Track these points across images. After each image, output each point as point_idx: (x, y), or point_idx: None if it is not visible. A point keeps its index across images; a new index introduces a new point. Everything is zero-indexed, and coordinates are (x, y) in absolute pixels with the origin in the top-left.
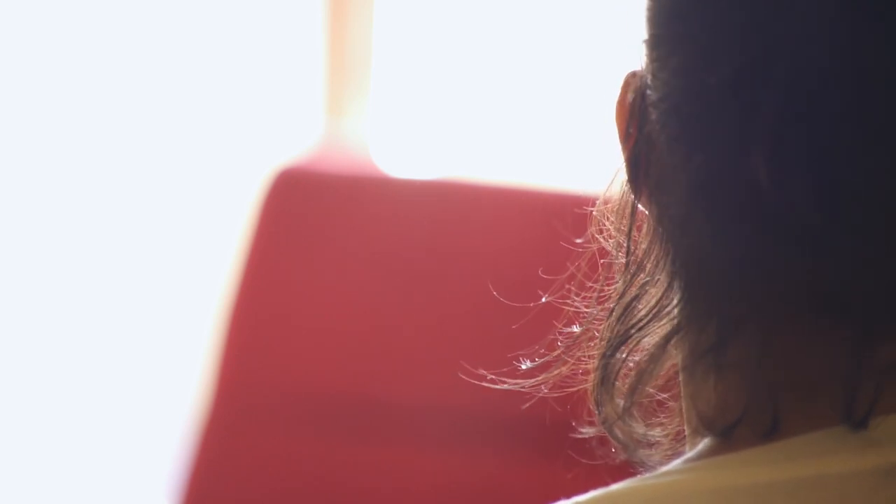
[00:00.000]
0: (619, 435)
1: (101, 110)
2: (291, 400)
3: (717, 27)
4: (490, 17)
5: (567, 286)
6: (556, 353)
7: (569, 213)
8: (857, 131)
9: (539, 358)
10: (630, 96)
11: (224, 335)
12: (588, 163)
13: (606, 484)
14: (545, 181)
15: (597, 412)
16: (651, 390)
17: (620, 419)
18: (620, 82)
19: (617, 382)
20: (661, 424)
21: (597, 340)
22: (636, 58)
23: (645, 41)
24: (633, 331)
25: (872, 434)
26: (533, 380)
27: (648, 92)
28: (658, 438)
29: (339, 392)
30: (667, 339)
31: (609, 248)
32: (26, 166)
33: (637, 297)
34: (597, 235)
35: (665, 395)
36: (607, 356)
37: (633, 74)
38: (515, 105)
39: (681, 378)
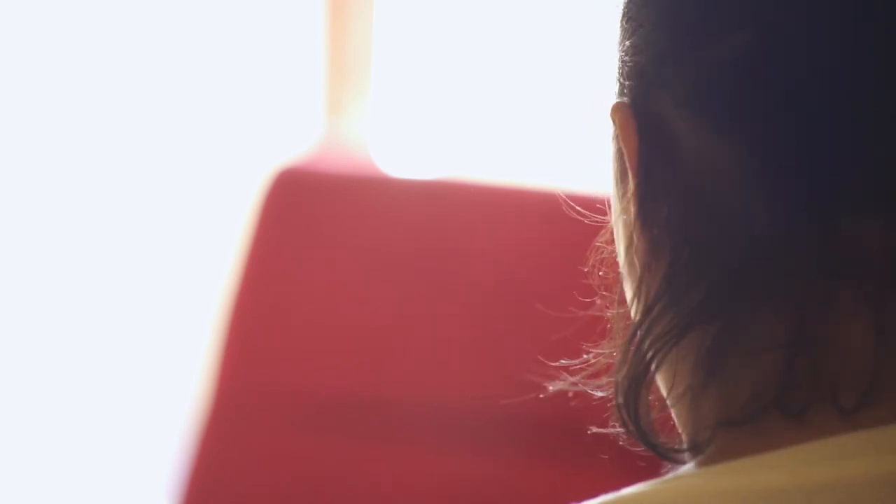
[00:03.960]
0: (646, 434)
1: (101, 111)
2: (291, 400)
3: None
4: (489, 17)
5: (566, 287)
6: (578, 378)
7: (568, 213)
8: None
9: (539, 374)
10: (629, 119)
11: (224, 335)
12: (587, 162)
13: (607, 484)
14: (545, 181)
15: (619, 419)
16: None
17: (639, 427)
18: (608, 120)
19: (638, 392)
20: (677, 433)
21: (607, 350)
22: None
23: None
24: (649, 339)
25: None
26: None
27: (661, 96)
28: (676, 445)
29: (339, 392)
30: (678, 336)
31: (607, 304)
32: (27, 167)
33: (650, 309)
34: (603, 295)
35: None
36: (627, 366)
37: (617, 107)
38: (515, 105)
39: (689, 383)
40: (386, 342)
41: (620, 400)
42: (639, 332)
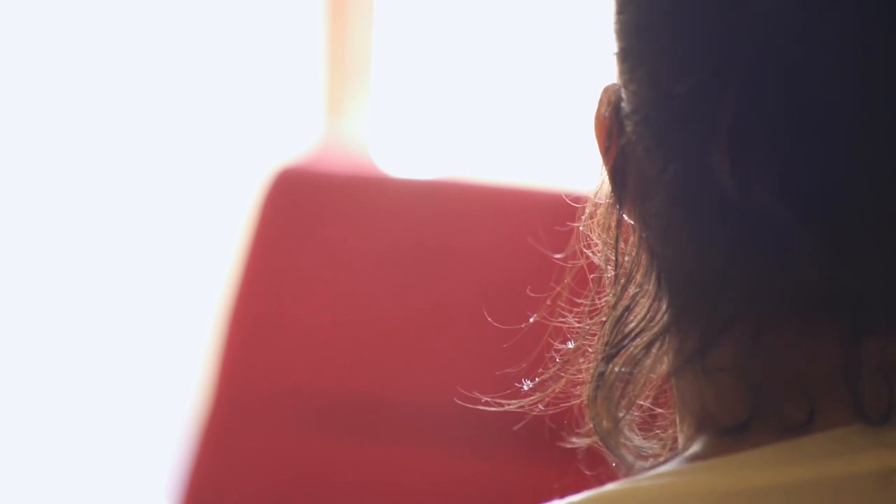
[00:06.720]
0: (614, 446)
1: (101, 110)
2: (291, 400)
3: (680, 40)
4: (489, 17)
5: (567, 287)
6: (552, 371)
7: (568, 212)
8: (814, 128)
9: (536, 376)
10: (605, 110)
11: (224, 335)
12: (586, 162)
13: (603, 484)
14: (544, 181)
15: (592, 424)
16: (645, 403)
17: (613, 429)
18: (597, 96)
19: (612, 394)
20: (658, 437)
21: (591, 351)
22: (612, 69)
23: (615, 54)
24: (625, 341)
25: (873, 437)
26: (531, 398)
27: (622, 104)
28: (654, 450)
29: (339, 392)
30: (649, 344)
31: (598, 262)
32: (27, 166)
33: (629, 308)
34: (584, 250)
35: (661, 410)
36: (601, 367)
37: (607, 89)
38: (514, 105)
39: (672, 384)
40: (386, 342)
41: (589, 400)
42: (611, 338)
